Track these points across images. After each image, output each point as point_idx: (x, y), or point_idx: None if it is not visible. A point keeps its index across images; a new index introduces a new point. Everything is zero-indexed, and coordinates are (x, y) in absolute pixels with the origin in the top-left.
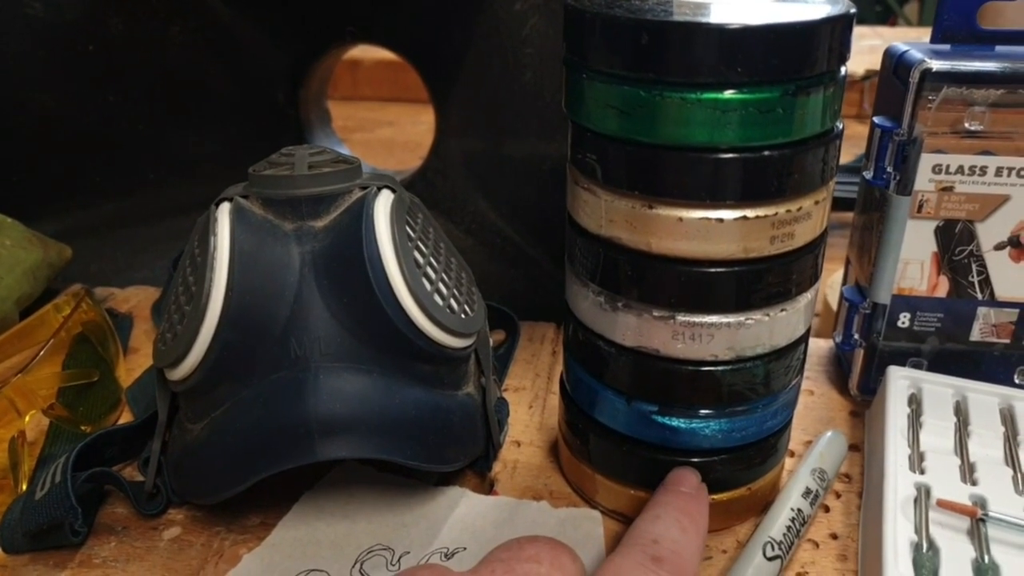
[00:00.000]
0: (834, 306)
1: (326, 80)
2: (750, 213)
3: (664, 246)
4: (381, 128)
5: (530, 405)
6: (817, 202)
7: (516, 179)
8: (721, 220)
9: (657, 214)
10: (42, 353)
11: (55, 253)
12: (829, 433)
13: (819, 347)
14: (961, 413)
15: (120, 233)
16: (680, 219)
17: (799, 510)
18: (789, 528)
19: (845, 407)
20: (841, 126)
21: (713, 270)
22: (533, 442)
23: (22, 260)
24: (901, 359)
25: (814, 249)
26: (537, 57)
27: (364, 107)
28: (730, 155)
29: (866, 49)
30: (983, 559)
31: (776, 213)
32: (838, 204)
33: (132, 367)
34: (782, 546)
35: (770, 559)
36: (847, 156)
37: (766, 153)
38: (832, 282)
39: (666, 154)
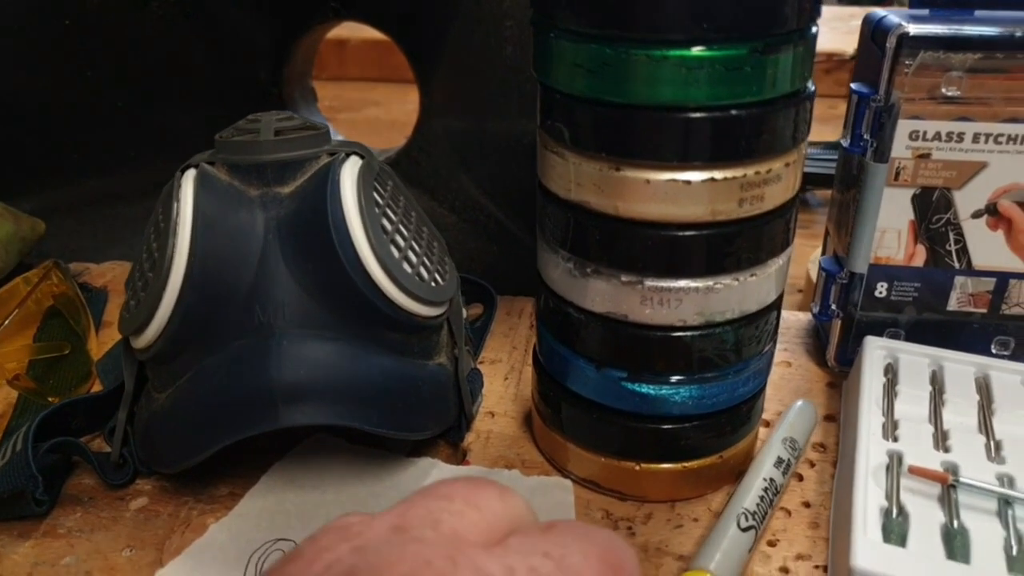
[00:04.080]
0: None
1: (310, 58)
2: (718, 175)
3: (632, 209)
4: (368, 108)
5: (506, 377)
6: (788, 164)
7: (499, 156)
8: (689, 182)
9: (625, 176)
10: (8, 321)
11: (28, 227)
12: (799, 403)
13: (798, 319)
14: (937, 382)
15: (99, 211)
16: (648, 181)
17: (771, 480)
18: (762, 498)
19: (823, 378)
20: (812, 88)
21: (681, 234)
22: (507, 413)
23: None
24: (878, 330)
25: (785, 213)
26: (517, 30)
27: (351, 87)
28: (698, 115)
29: (856, 29)
30: (952, 524)
31: (744, 175)
32: (822, 181)
33: (106, 340)
34: (756, 516)
35: (744, 530)
36: (833, 135)
37: (734, 112)
38: (814, 258)
39: (634, 114)
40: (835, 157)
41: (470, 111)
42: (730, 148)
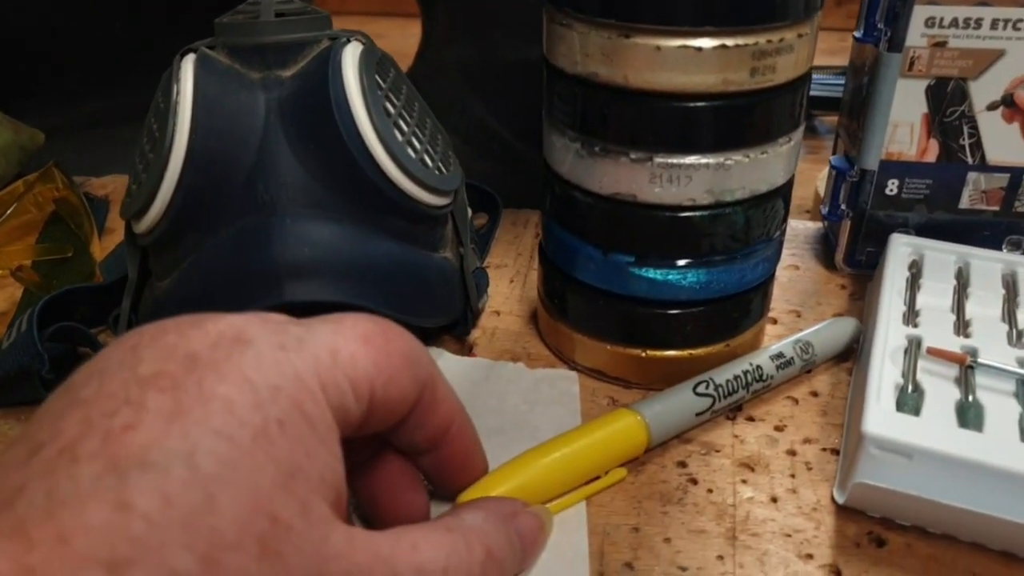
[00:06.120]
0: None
1: None
2: (729, 41)
3: (642, 79)
4: None
5: (511, 280)
6: (800, 35)
7: (505, 75)
8: (700, 49)
9: (634, 43)
10: (9, 212)
11: (27, 137)
12: (842, 318)
13: (806, 227)
14: (962, 277)
15: (99, 133)
16: (658, 48)
17: (758, 367)
18: (737, 378)
19: (831, 280)
20: None
21: (692, 104)
22: (513, 312)
23: None
24: (888, 230)
25: (796, 88)
26: None
27: (353, 22)
28: None
29: None
30: (967, 399)
31: (756, 43)
32: (830, 105)
33: (108, 246)
34: (720, 390)
35: (699, 395)
36: (843, 63)
37: None
38: (823, 176)
39: None
40: (843, 83)
41: (475, 31)
42: (742, 12)
